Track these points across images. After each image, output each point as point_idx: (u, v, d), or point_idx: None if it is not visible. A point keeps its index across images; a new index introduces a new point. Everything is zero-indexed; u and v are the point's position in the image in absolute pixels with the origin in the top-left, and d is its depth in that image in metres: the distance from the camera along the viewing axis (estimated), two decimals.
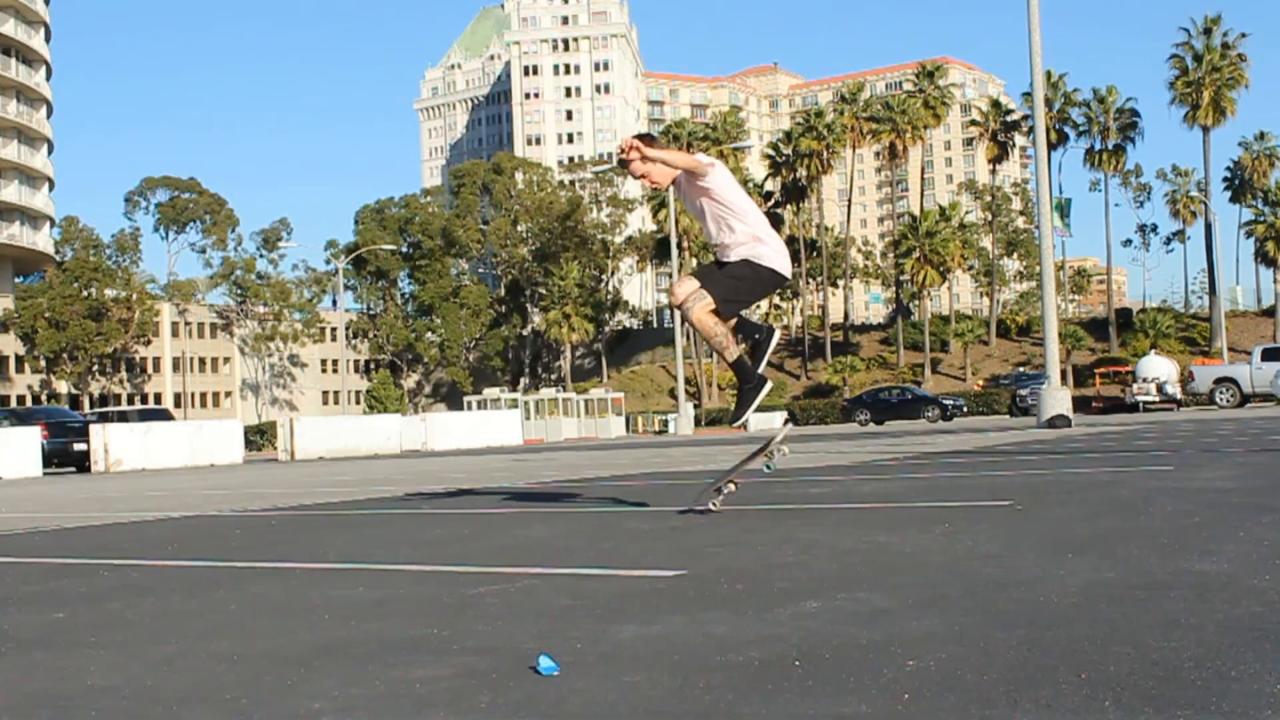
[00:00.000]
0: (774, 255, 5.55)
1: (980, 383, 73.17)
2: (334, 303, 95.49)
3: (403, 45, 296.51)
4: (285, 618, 3.24)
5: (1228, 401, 35.98)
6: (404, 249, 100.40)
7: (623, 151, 5.48)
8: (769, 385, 5.64)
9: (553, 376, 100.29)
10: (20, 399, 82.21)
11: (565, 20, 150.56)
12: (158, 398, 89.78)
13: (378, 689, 2.29)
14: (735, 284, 5.51)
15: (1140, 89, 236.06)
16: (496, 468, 14.50)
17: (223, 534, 6.43)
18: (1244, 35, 77.10)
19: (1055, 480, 7.22)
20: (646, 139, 5.51)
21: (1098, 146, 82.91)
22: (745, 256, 5.49)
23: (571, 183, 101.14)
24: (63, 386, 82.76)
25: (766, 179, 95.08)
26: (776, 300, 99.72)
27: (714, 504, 5.75)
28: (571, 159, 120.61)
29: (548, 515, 6.45)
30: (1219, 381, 36.70)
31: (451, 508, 7.48)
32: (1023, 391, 49.82)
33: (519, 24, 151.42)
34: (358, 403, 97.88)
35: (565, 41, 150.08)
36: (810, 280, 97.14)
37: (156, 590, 4.00)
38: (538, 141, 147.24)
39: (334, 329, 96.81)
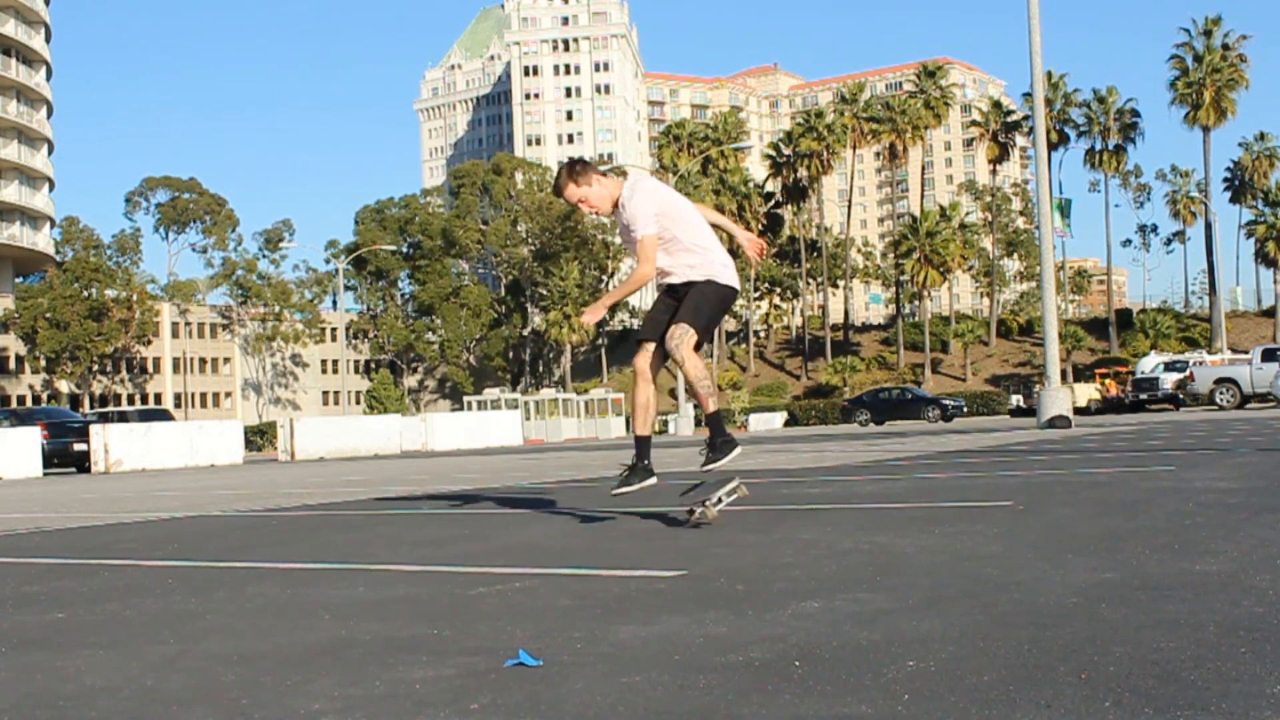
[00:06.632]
0: (727, 270, 5.21)
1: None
2: (334, 303, 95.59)
3: (403, 45, 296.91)
4: (285, 618, 3.24)
5: (1228, 402, 35.92)
6: (404, 249, 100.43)
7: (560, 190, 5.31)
8: (739, 449, 5.18)
9: (553, 376, 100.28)
10: (21, 399, 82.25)
11: (565, 20, 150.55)
12: (158, 398, 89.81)
13: (378, 689, 2.29)
14: (708, 307, 5.13)
15: (1140, 89, 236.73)
16: (505, 467, 14.51)
17: (223, 534, 6.43)
18: (1244, 37, 77.16)
19: (1056, 480, 7.21)
20: (580, 166, 5.28)
21: (1098, 147, 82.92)
22: (709, 276, 5.14)
23: None
24: (63, 386, 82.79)
25: (767, 179, 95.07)
26: (777, 300, 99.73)
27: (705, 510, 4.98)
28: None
29: (549, 515, 6.44)
30: (1219, 382, 36.65)
31: (453, 507, 7.47)
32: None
33: (519, 24, 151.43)
34: (358, 403, 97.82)
35: (565, 42, 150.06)
36: (810, 280, 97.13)
37: (156, 590, 4.00)
38: (538, 142, 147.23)
39: (334, 329, 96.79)
